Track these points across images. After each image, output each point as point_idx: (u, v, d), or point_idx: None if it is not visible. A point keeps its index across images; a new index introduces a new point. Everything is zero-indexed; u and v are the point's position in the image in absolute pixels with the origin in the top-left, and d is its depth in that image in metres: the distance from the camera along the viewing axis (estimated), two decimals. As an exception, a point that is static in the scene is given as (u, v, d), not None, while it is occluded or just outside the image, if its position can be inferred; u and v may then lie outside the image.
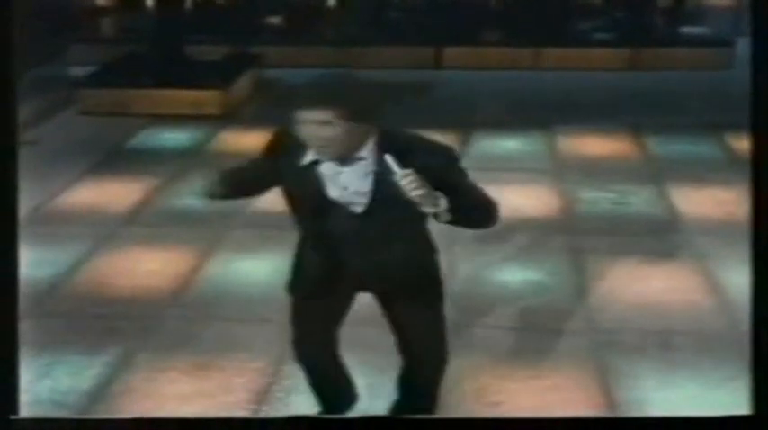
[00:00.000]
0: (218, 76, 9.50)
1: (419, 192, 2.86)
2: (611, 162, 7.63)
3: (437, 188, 2.91)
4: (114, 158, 7.90)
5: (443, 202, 2.91)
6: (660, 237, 6.03)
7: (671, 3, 11.97)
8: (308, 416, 3.16)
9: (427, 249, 3.30)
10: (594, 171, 7.35)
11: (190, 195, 6.90)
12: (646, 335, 4.63)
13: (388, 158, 2.91)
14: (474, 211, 3.09)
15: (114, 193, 6.96)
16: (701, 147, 7.85)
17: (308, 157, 3.10)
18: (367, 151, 3.04)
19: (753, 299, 2.70)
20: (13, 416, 2.73)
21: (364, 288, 3.35)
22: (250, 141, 8.12)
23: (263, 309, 4.90)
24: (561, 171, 7.35)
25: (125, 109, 8.99)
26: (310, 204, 3.16)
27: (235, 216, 6.49)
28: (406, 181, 2.86)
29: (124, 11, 12.52)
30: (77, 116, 9.06)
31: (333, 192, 3.11)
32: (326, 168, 3.09)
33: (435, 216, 2.96)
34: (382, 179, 3.01)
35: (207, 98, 9.06)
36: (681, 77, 10.32)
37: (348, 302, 3.44)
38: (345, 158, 3.05)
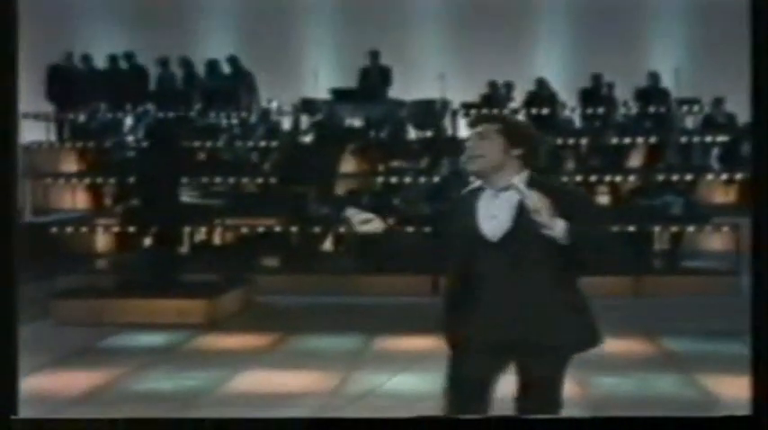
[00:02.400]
0: (206, 289, 8.64)
1: (540, 209, 3.16)
2: (627, 355, 6.59)
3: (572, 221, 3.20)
4: (81, 355, 6.89)
5: (561, 225, 3.17)
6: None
7: (668, 243, 11.37)
8: (309, 418, 2.96)
9: (574, 300, 3.36)
10: (610, 362, 6.30)
11: (157, 380, 5.90)
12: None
13: (517, 182, 3.29)
14: (591, 240, 3.26)
15: (71, 381, 5.94)
16: (720, 346, 6.83)
17: (470, 186, 3.46)
18: (518, 180, 3.31)
19: (753, 298, 2.64)
20: (13, 417, 2.66)
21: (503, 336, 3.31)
22: (230, 343, 7.20)
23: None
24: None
25: (104, 319, 8.03)
26: (460, 233, 3.38)
27: (200, 397, 5.50)
28: (532, 200, 3.17)
29: (120, 251, 11.88)
30: (53, 326, 8.04)
31: (483, 223, 3.35)
32: (485, 196, 3.38)
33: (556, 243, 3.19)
34: (524, 210, 3.24)
35: (192, 307, 8.14)
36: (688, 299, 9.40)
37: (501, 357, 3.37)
38: (498, 184, 3.35)
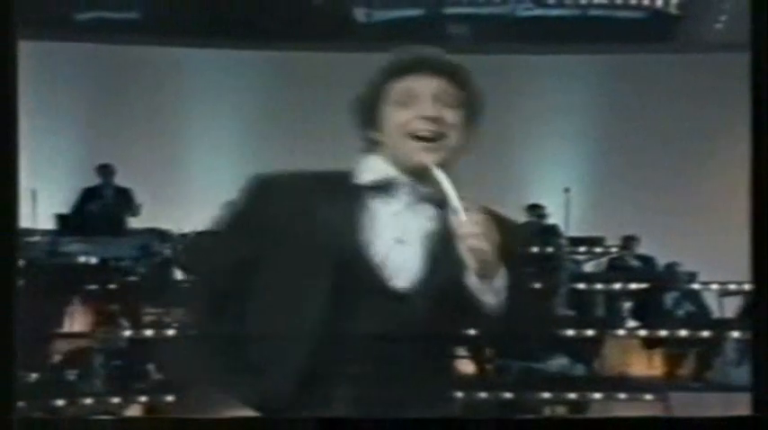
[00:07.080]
0: None
1: (480, 245, 1.79)
2: None
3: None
4: None
5: (502, 274, 1.84)
6: None
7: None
8: (311, 418, 2.10)
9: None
10: None
11: None
12: None
13: (440, 174, 1.87)
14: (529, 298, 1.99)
15: None
16: None
17: (368, 176, 1.96)
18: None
19: (753, 297, 2.43)
20: (12, 417, 2.43)
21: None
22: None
23: None
24: None
25: None
26: (326, 269, 1.91)
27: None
28: (469, 223, 1.80)
29: None
30: None
31: (379, 246, 1.92)
32: (385, 200, 1.95)
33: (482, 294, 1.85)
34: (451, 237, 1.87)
35: None
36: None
37: None
38: (425, 184, 1.93)
